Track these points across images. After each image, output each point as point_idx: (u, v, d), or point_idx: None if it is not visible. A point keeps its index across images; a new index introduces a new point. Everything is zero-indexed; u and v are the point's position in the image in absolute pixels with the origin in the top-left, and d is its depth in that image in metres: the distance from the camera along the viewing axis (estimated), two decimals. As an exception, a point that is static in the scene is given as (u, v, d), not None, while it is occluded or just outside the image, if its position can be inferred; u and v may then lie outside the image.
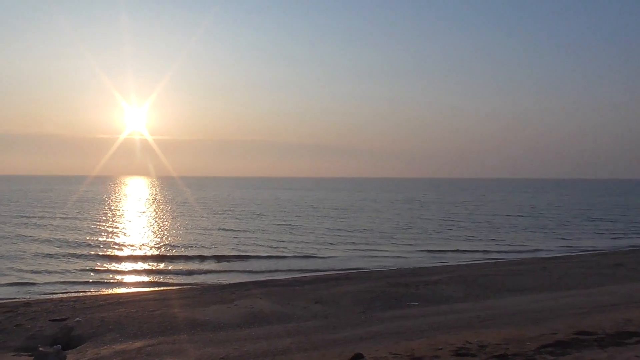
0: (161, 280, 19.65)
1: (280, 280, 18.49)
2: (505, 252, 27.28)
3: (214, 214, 50.55)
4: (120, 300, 14.65)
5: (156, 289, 17.93)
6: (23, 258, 23.30)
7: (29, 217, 43.48)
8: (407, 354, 8.01)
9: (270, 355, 9.36)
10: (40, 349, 9.06)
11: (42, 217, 43.61)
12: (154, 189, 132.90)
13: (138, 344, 10.12)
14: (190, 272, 20.95)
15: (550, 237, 33.76)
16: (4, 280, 18.73)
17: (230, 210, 54.93)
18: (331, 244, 29.26)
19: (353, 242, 29.89)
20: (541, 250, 28.06)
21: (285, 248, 27.44)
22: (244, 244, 28.57)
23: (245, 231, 35.04)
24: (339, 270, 21.34)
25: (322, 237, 31.96)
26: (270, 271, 21.14)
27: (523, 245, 29.95)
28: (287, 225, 39.67)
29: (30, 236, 30.87)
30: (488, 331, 9.28)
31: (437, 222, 43.31)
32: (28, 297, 16.24)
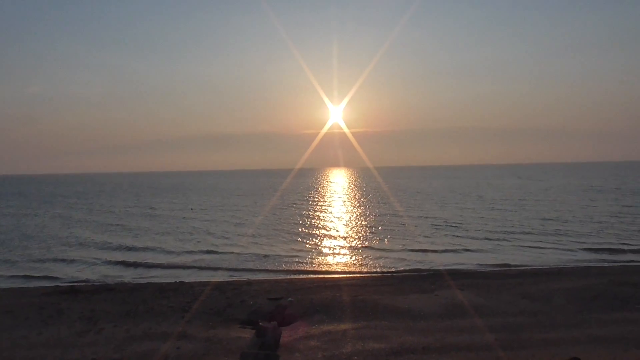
0: (362, 267, 20.42)
1: (483, 272, 17.67)
2: None
3: (412, 204, 50.76)
4: (326, 284, 15.63)
5: (358, 275, 18.69)
6: (241, 244, 26.55)
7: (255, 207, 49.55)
8: (640, 364, 6.91)
9: (474, 350, 8.99)
10: (260, 323, 10.12)
11: (263, 206, 49.28)
12: (353, 179, 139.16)
13: (343, 326, 10.66)
14: (388, 260, 21.35)
15: None
16: (226, 263, 21.56)
17: (429, 201, 54.63)
18: (532, 234, 26.95)
19: (560, 234, 27.09)
20: None
21: (483, 239, 26.16)
22: (438, 234, 28.09)
23: (439, 225, 34.41)
24: (548, 264, 19.56)
25: (521, 228, 29.64)
26: (470, 263, 20.37)
27: None
28: (479, 216, 37.79)
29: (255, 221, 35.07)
30: None
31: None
32: (249, 277, 18.43)
